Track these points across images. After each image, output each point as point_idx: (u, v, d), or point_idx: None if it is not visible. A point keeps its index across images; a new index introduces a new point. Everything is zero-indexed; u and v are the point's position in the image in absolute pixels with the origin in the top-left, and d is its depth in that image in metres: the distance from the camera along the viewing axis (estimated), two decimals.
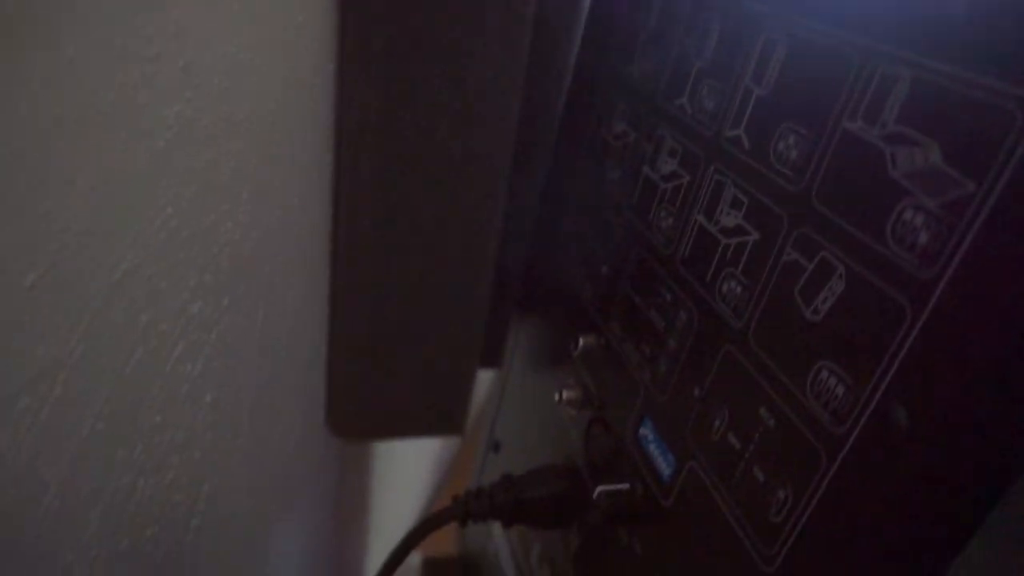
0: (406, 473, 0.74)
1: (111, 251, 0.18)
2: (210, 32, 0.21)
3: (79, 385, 0.19)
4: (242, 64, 0.22)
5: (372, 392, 0.35)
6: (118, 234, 0.19)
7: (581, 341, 0.33)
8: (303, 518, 0.40)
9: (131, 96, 0.18)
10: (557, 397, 0.35)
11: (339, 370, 0.35)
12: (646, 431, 0.29)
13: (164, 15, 0.18)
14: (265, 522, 0.34)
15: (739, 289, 0.24)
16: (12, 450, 0.17)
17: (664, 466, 0.27)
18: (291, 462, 0.35)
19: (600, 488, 0.29)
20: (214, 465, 0.27)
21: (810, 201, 0.21)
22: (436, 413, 0.38)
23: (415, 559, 0.59)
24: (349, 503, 0.55)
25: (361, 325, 0.33)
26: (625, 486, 0.29)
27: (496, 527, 0.46)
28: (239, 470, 0.30)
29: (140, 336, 0.21)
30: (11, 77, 0.14)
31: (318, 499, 0.43)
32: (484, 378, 0.47)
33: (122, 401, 0.20)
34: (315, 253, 0.31)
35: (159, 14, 0.18)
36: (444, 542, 0.58)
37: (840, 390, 0.19)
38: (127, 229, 0.19)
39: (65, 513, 0.19)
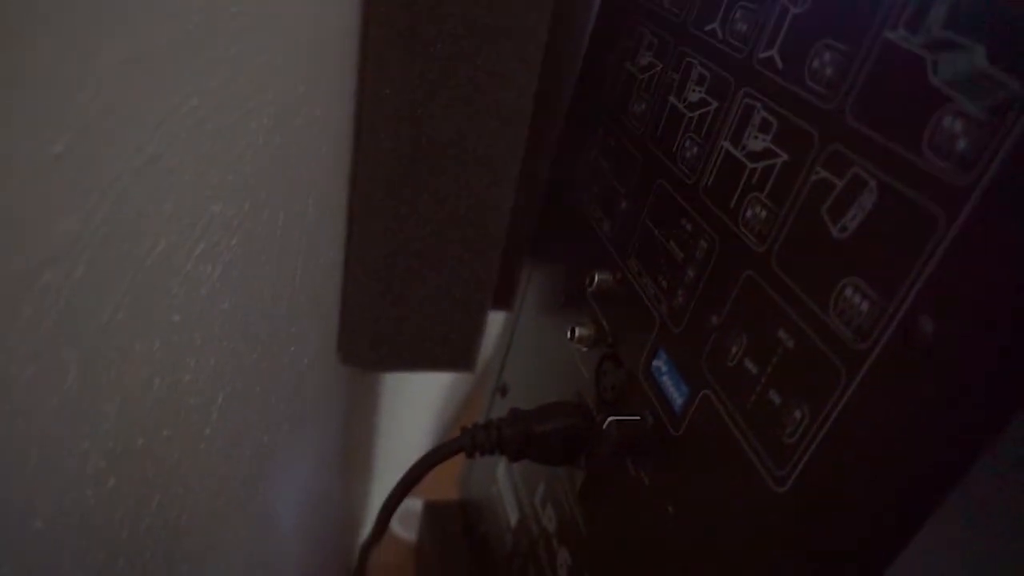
0: (415, 409, 0.75)
1: (136, 132, 0.18)
2: None
3: (101, 268, 0.19)
4: None
5: (384, 323, 0.35)
6: (144, 116, 0.18)
7: (597, 277, 0.33)
8: (311, 442, 0.40)
9: None
10: (569, 335, 0.35)
11: (352, 298, 0.35)
12: (659, 363, 0.29)
13: None
14: (275, 441, 0.34)
15: (764, 213, 0.23)
16: (33, 325, 0.17)
17: (676, 396, 0.27)
18: (302, 385, 0.35)
19: (610, 418, 0.29)
20: (228, 375, 0.27)
21: (843, 117, 0.20)
22: (448, 347, 0.38)
23: (416, 504, 0.60)
24: (357, 432, 0.55)
25: (377, 253, 0.33)
26: (636, 417, 0.29)
27: (501, 466, 0.47)
28: (252, 385, 0.30)
29: (162, 227, 0.20)
30: None
31: (327, 425, 0.43)
32: (494, 320, 0.47)
33: (142, 292, 0.20)
34: (334, 173, 0.31)
35: None
36: (446, 487, 0.59)
37: (864, 306, 0.19)
38: (152, 112, 0.19)
39: (85, 398, 0.20)
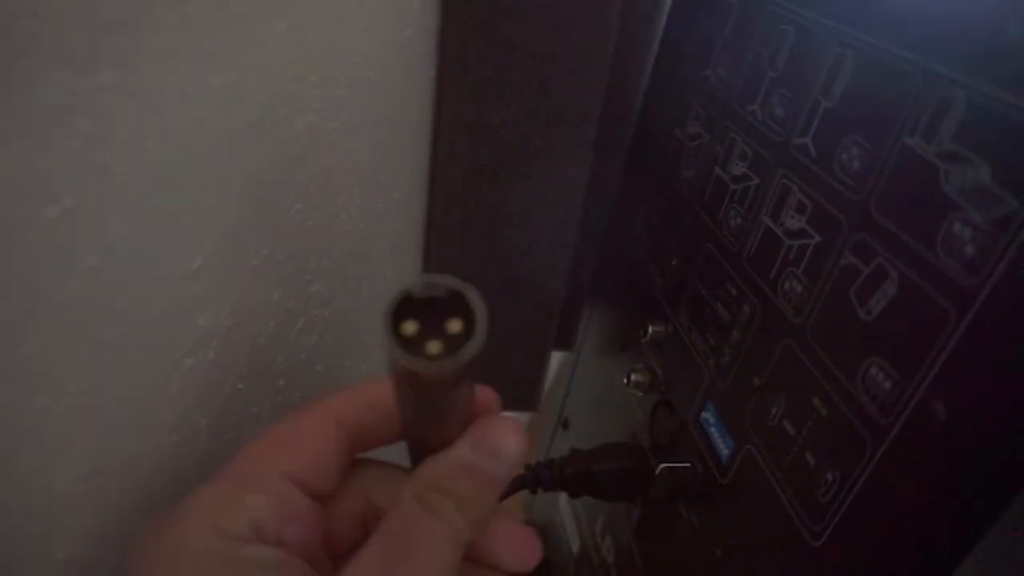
0: None
1: (253, 239, 0.22)
2: (337, 47, 0.24)
3: (226, 352, 0.22)
4: (360, 75, 0.26)
5: None
6: (260, 225, 0.22)
7: (650, 328, 0.36)
8: None
9: (273, 110, 0.21)
10: (625, 380, 0.37)
11: None
12: (708, 415, 0.31)
13: (304, 34, 0.22)
14: None
15: (799, 288, 0.26)
16: (178, 400, 0.21)
17: (723, 447, 0.29)
18: None
19: (663, 465, 0.32)
20: None
21: (869, 210, 0.22)
22: (513, 389, 0.41)
23: None
24: None
25: None
26: (686, 464, 0.32)
27: (563, 498, 0.49)
28: None
29: (272, 311, 0.24)
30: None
31: None
32: (556, 359, 0.50)
33: (256, 366, 0.24)
34: (411, 240, 0.35)
35: (299, 33, 0.22)
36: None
37: (887, 385, 0.21)
38: (266, 220, 0.23)
39: (211, 456, 0.23)
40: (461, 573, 0.21)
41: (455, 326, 0.16)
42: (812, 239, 0.25)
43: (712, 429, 0.31)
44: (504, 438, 0.20)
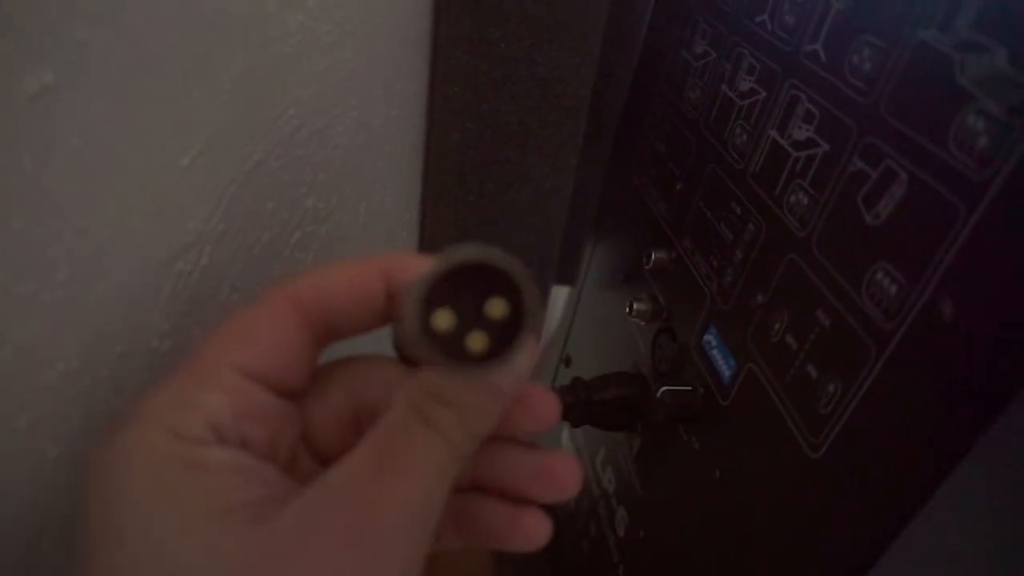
0: None
1: (246, 142, 0.22)
2: None
3: (219, 259, 0.22)
4: None
5: None
6: (251, 128, 0.22)
7: (653, 255, 0.35)
8: None
9: (262, 5, 0.20)
10: (627, 309, 0.37)
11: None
12: (710, 337, 0.31)
13: None
14: None
15: (805, 200, 0.25)
16: (170, 304, 0.21)
17: (725, 369, 0.29)
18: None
19: (664, 388, 0.31)
20: None
21: (879, 112, 0.22)
22: None
23: None
24: None
25: (448, 238, 0.36)
26: (688, 388, 0.31)
27: (563, 434, 0.49)
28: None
29: (267, 222, 0.24)
30: None
31: None
32: (558, 294, 0.49)
33: (251, 277, 0.24)
34: (409, 166, 0.34)
35: None
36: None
37: (893, 289, 0.21)
38: (258, 124, 0.22)
39: None
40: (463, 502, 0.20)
41: (497, 308, 0.13)
42: (820, 148, 0.24)
43: (714, 351, 0.30)
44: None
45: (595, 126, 0.36)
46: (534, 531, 0.20)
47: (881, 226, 0.21)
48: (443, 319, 0.12)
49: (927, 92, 0.20)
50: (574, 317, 0.49)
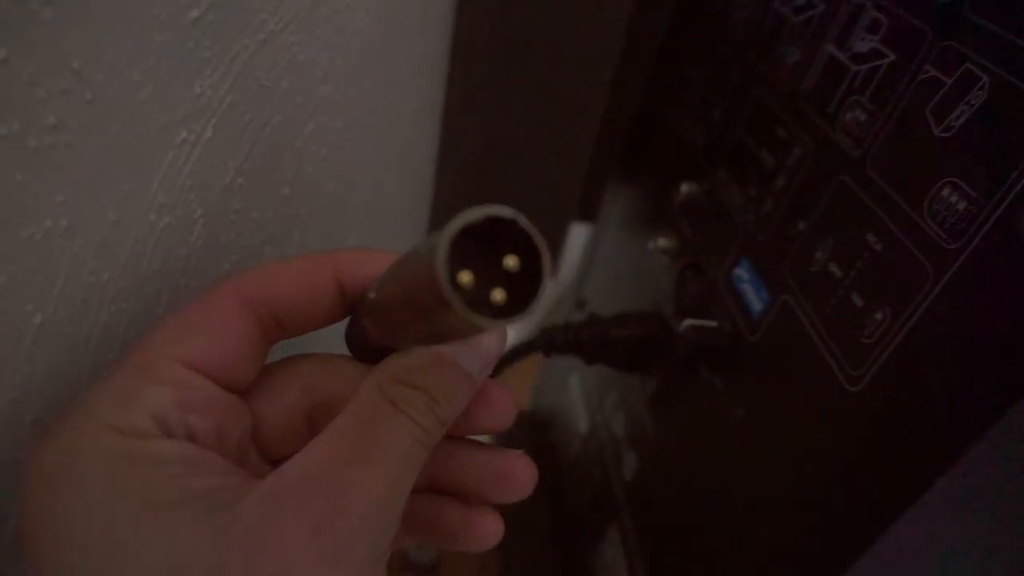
0: None
1: (260, 7, 0.20)
2: None
3: (225, 135, 0.20)
4: None
5: None
6: None
7: (684, 188, 0.33)
8: None
9: None
10: (652, 245, 0.35)
11: (442, 198, 0.37)
12: (741, 271, 0.29)
13: None
14: None
15: (863, 117, 0.23)
16: (172, 174, 0.19)
17: (756, 303, 0.27)
18: None
19: (688, 322, 0.30)
20: None
21: (961, 11, 0.20)
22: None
23: None
24: None
25: (468, 151, 0.34)
26: (713, 323, 0.30)
27: (574, 378, 0.48)
28: None
29: (278, 102, 0.22)
30: None
31: None
32: (577, 236, 0.48)
33: (259, 160, 0.22)
34: (433, 73, 0.32)
35: None
36: (518, 396, 0.61)
37: (961, 205, 0.19)
38: None
39: (205, 257, 0.22)
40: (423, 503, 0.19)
41: (511, 262, 0.13)
42: (885, 59, 0.22)
43: (745, 286, 0.29)
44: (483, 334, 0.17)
45: (631, 47, 0.34)
46: (488, 532, 0.20)
47: (953, 137, 0.19)
48: (464, 276, 0.13)
49: None
50: (592, 258, 0.47)
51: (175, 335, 0.17)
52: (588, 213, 0.43)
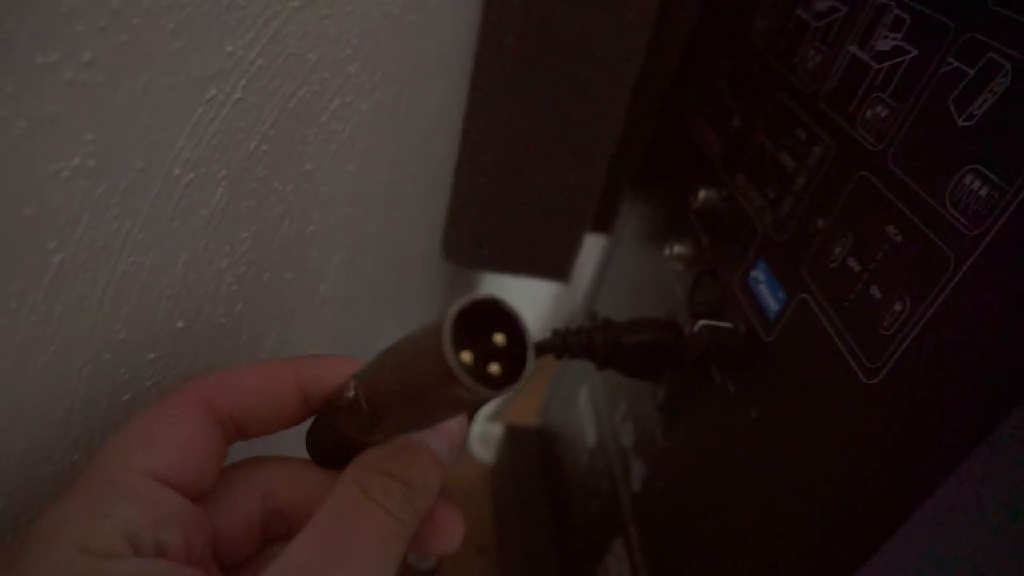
0: None
1: None
2: None
3: (253, 99, 0.21)
4: None
5: (489, 221, 0.37)
6: None
7: (702, 193, 0.33)
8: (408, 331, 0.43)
9: None
10: (667, 252, 0.35)
11: (461, 194, 0.37)
12: (757, 273, 0.29)
13: None
14: (377, 320, 0.37)
15: (884, 113, 0.23)
16: (198, 130, 0.19)
17: (772, 303, 0.27)
18: (407, 271, 0.37)
19: (702, 322, 0.29)
20: (345, 239, 0.29)
21: (985, 3, 0.20)
22: (547, 255, 0.39)
23: (496, 428, 0.62)
24: None
25: (489, 149, 0.35)
26: (728, 324, 0.30)
27: (583, 392, 0.48)
28: (365, 256, 0.32)
29: (306, 73, 0.22)
30: None
31: (425, 319, 0.45)
32: (593, 246, 0.48)
33: (284, 131, 0.23)
34: (459, 67, 0.32)
35: None
36: (527, 415, 0.60)
37: (984, 191, 0.19)
38: None
39: (225, 221, 0.22)
40: None
41: (499, 338, 0.15)
42: (907, 55, 0.22)
43: (761, 287, 0.28)
44: (450, 420, 0.18)
45: (654, 53, 0.34)
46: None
47: (975, 126, 0.19)
48: (466, 356, 0.14)
49: None
50: (606, 271, 0.47)
51: (141, 445, 0.17)
52: (603, 224, 0.43)
